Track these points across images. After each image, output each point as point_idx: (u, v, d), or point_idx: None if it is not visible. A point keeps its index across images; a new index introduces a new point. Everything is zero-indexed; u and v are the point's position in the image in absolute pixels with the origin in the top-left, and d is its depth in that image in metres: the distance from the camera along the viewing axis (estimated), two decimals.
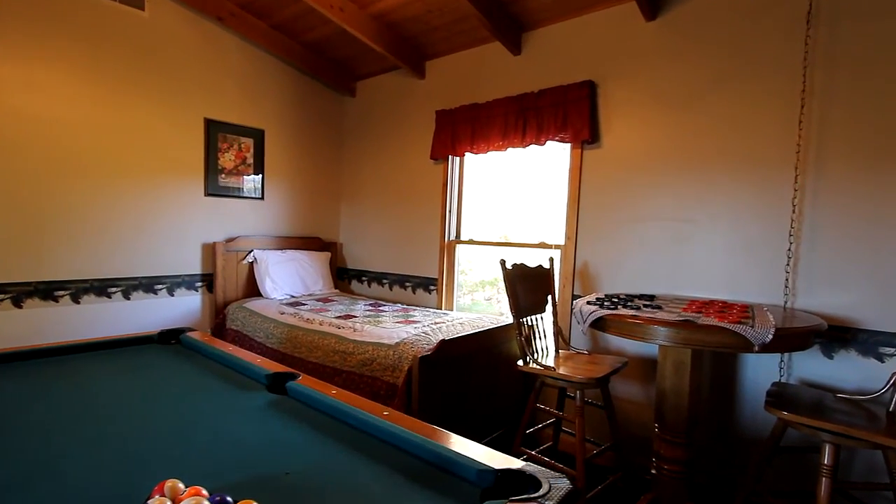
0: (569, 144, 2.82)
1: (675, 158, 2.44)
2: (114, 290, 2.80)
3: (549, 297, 2.46)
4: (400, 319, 2.84)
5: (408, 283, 3.66)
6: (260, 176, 3.53)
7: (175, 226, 3.07)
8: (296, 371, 1.53)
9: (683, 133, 2.41)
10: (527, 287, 2.32)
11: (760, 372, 2.17)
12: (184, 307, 3.13)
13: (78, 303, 2.67)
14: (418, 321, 2.79)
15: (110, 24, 2.73)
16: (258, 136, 3.50)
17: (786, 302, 2.12)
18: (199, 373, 1.60)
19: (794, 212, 2.09)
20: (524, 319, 2.25)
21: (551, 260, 2.52)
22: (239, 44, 3.34)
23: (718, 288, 2.31)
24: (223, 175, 3.31)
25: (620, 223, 2.62)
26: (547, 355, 2.33)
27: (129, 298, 2.87)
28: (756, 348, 1.51)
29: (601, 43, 2.68)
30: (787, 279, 2.12)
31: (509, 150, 3.01)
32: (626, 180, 2.60)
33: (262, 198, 3.56)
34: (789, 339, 1.60)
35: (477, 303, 3.62)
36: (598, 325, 1.85)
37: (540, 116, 2.82)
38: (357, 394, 2.36)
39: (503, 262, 2.14)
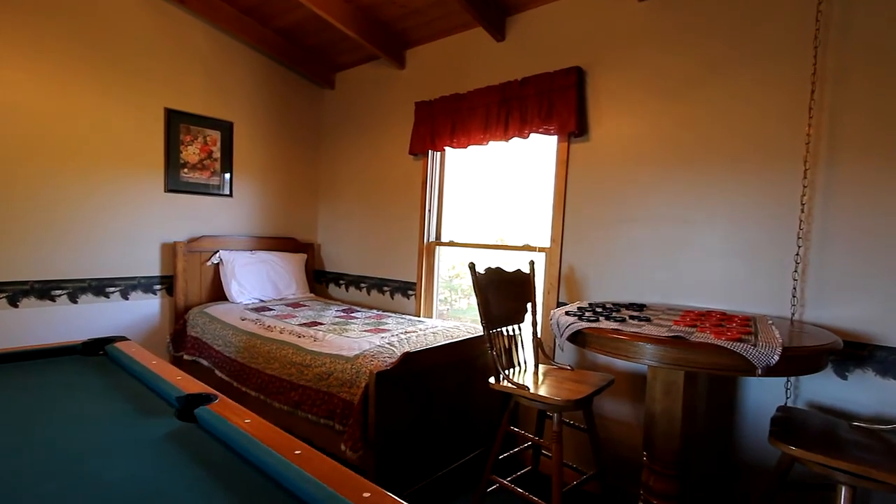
0: (555, 137, 2.58)
1: (670, 152, 2.20)
2: (58, 292, 2.58)
3: (529, 306, 2.22)
4: (369, 328, 2.60)
5: (386, 288, 3.43)
6: (228, 171, 3.30)
7: (131, 223, 2.84)
8: (214, 392, 1.29)
9: (679, 124, 2.17)
10: (503, 294, 2.08)
11: (764, 393, 1.93)
12: (139, 312, 2.90)
13: (16, 306, 2.44)
14: (389, 330, 2.55)
15: (59, 5, 2.51)
16: (226, 129, 3.28)
17: (793, 314, 1.87)
18: (105, 393, 1.36)
19: (802, 211, 1.85)
20: (499, 330, 2.01)
21: (532, 264, 2.28)
22: (206, 30, 3.12)
23: (717, 297, 2.06)
24: (186, 170, 3.08)
25: (609, 224, 2.38)
26: (525, 371, 2.08)
27: (75, 302, 2.64)
28: (759, 372, 1.27)
29: (590, 26, 2.45)
30: (794, 288, 1.87)
31: (491, 143, 2.77)
32: (616, 177, 2.36)
33: (231, 195, 3.33)
34: (799, 360, 1.35)
35: (472, 307, 3.37)
36: (577, 339, 1.61)
37: (524, 107, 2.59)
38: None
39: (472, 266, 1.90)
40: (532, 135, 2.60)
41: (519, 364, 2.15)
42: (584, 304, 2.00)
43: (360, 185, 3.63)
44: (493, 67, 2.83)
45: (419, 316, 3.15)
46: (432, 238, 3.20)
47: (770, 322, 1.68)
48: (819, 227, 1.83)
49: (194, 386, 1.36)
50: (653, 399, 1.70)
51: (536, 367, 2.15)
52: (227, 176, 3.30)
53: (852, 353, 1.75)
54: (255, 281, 3.26)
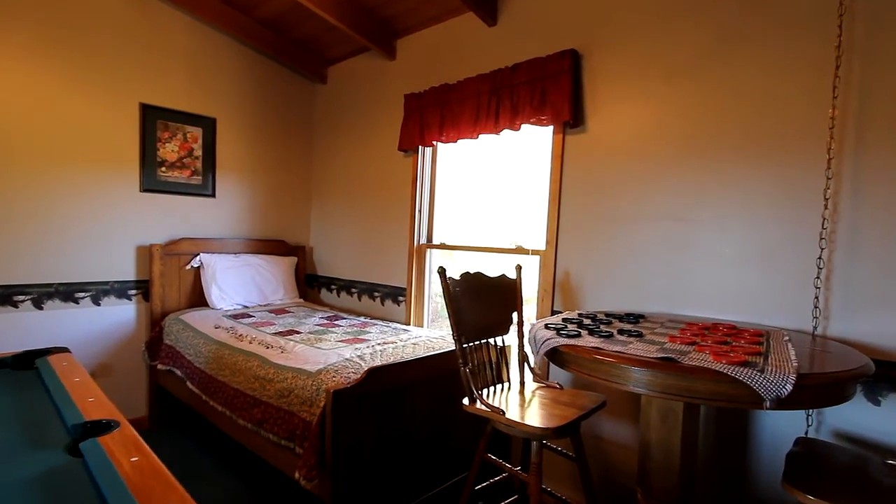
0: (551, 128, 2.36)
1: (675, 142, 1.95)
2: (21, 297, 2.46)
3: (516, 316, 2.00)
4: (348, 337, 2.42)
5: (376, 294, 3.24)
6: (210, 170, 3.17)
7: (103, 225, 2.72)
8: (116, 420, 1.12)
9: (685, 110, 1.92)
10: (483, 303, 1.86)
11: (783, 421, 1.66)
12: (112, 318, 2.78)
13: None
14: (368, 340, 2.36)
15: None
16: (208, 125, 3.14)
17: (815, 327, 1.61)
18: (7, 417, 1.21)
19: (826, 207, 1.58)
20: (478, 343, 1.80)
21: (519, 268, 2.06)
22: (185, 21, 2.98)
23: (726, 306, 1.80)
24: (164, 168, 2.95)
25: (608, 224, 2.14)
26: (509, 389, 1.86)
27: (41, 308, 2.52)
28: (767, 405, 1.03)
29: (586, 4, 2.22)
30: (816, 297, 1.61)
31: (482, 137, 2.56)
32: (615, 171, 2.12)
33: (213, 195, 3.19)
34: (819, 389, 1.10)
35: None
36: (555, 358, 1.39)
37: (515, 96, 2.37)
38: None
39: (442, 272, 1.69)
40: (525, 126, 2.38)
41: (505, 381, 1.93)
42: (573, 315, 1.77)
43: (351, 185, 3.45)
44: (484, 55, 2.61)
45: (409, 324, 2.95)
46: (423, 240, 3.00)
47: (786, 338, 1.43)
48: (846, 226, 1.56)
49: (101, 410, 1.19)
50: (647, 426, 1.46)
51: (522, 385, 1.92)
52: (210, 175, 3.17)
53: (886, 374, 1.48)
54: (237, 285, 3.12)
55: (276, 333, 2.45)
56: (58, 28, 2.51)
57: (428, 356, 1.97)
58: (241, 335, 2.44)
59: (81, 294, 2.66)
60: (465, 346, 1.70)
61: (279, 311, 3.03)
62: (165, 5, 2.88)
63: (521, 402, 1.72)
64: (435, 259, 3.02)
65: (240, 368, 2.17)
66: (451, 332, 1.71)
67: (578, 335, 1.39)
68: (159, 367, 2.76)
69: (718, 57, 1.83)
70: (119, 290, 2.80)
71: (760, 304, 1.73)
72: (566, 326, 1.51)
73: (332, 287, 3.58)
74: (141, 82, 2.82)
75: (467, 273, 1.86)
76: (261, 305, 3.18)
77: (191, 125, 3.06)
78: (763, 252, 1.73)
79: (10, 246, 2.42)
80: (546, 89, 2.25)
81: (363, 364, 1.92)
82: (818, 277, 1.60)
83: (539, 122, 2.28)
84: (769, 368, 1.07)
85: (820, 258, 1.60)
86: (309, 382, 1.83)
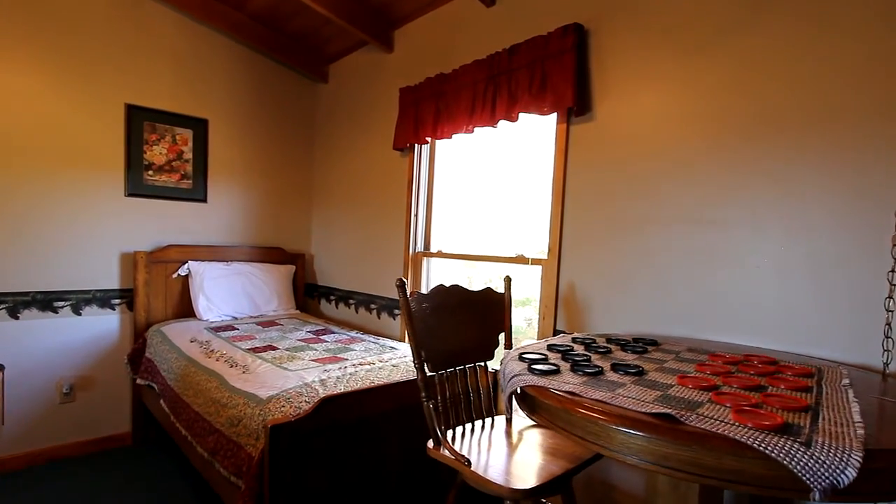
0: (553, 119, 2.04)
1: (702, 129, 1.59)
2: None
3: (502, 338, 1.68)
4: (326, 356, 2.17)
5: (373, 306, 2.99)
6: (202, 174, 3.03)
7: (84, 231, 2.61)
8: None
9: (713, 91, 1.56)
10: (460, 322, 1.56)
11: None
12: (94, 329, 2.66)
13: None
14: (346, 359, 2.11)
15: None
16: (199, 127, 3.01)
17: (887, 363, 1.21)
18: None
19: None
20: (452, 371, 1.50)
21: (508, 281, 1.74)
22: (174, 17, 2.86)
23: (765, 330, 1.42)
24: (151, 172, 2.83)
25: (620, 229, 1.79)
26: (491, 428, 1.55)
27: (16, 317, 2.43)
28: (817, 496, 0.68)
29: None
30: (889, 322, 1.21)
31: (476, 131, 2.27)
32: (628, 165, 1.78)
33: (205, 200, 3.05)
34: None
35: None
36: (525, 402, 1.07)
37: (513, 82, 2.07)
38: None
39: (401, 286, 1.40)
40: (524, 117, 2.08)
41: (488, 416, 1.62)
42: (564, 340, 1.43)
43: (351, 189, 3.24)
44: (481, 39, 2.33)
45: (403, 340, 2.68)
46: (419, 248, 2.73)
47: (845, 381, 1.05)
48: None
49: None
50: (654, 491, 1.11)
51: (509, 423, 1.60)
52: (201, 179, 3.03)
53: None
54: (226, 295, 2.94)
55: (249, 350, 2.24)
56: (37, 27, 2.43)
57: (397, 383, 1.68)
58: (212, 350, 2.24)
59: (61, 303, 2.55)
60: (430, 375, 1.40)
61: (267, 324, 2.83)
62: (151, 1, 2.77)
63: (501, 445, 1.41)
64: (434, 269, 2.74)
65: (201, 389, 1.96)
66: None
67: (557, 371, 1.07)
68: (138, 381, 2.61)
69: (753, 22, 1.47)
70: (102, 299, 2.68)
71: (810, 329, 1.34)
72: (546, 357, 1.19)
73: (331, 298, 3.36)
74: (126, 82, 2.71)
75: (441, 286, 1.57)
76: (251, 317, 3.00)
77: (180, 127, 2.94)
78: (813, 262, 1.34)
79: None
80: (547, 72, 1.94)
81: (321, 391, 1.65)
82: (890, 297, 1.20)
83: (539, 111, 1.97)
84: (819, 439, 0.72)
85: (892, 272, 1.20)
86: (257, 412, 1.59)
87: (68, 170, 2.55)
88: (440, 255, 2.64)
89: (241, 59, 3.16)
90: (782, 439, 0.71)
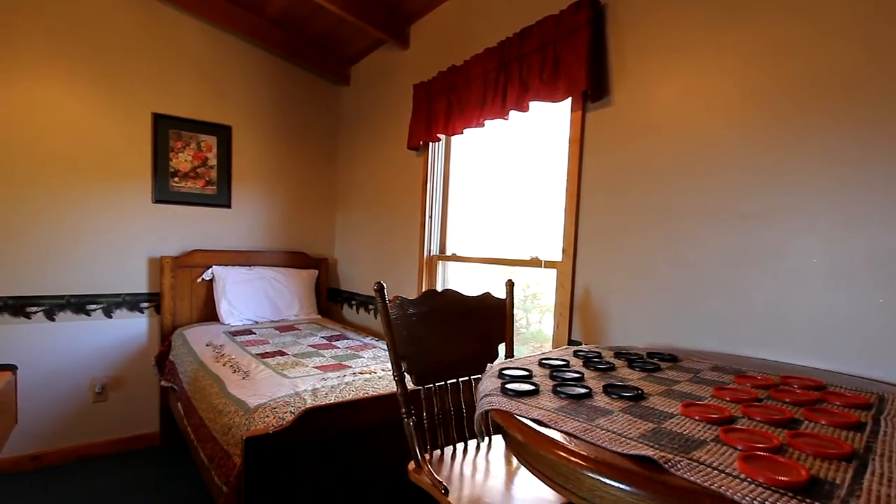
0: (567, 106, 1.85)
1: (733, 110, 1.36)
2: (34, 309, 2.50)
3: (503, 348, 1.52)
4: (330, 363, 2.10)
5: None
6: (226, 180, 3.08)
7: (115, 237, 2.71)
8: None
9: (750, 59, 1.33)
10: (452, 330, 1.42)
11: None
12: (124, 331, 2.75)
13: None
14: (350, 367, 2.02)
15: (31, 10, 2.46)
16: (223, 134, 3.06)
17: None
18: None
19: None
20: (442, 385, 1.36)
21: (510, 285, 1.58)
22: (197, 26, 2.93)
23: (812, 344, 1.17)
24: (177, 179, 2.91)
25: (640, 226, 1.58)
26: (488, 449, 1.39)
27: (53, 319, 2.55)
28: None
29: None
30: None
31: (487, 124, 2.13)
32: (650, 154, 1.56)
33: (229, 205, 3.10)
34: None
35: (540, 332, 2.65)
36: (497, 429, 0.91)
37: (525, 68, 1.90)
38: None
39: (380, 289, 1.28)
40: (537, 106, 1.91)
41: (486, 435, 1.46)
42: (564, 354, 1.25)
43: (371, 192, 3.18)
44: (494, 25, 2.18)
45: None
46: (434, 251, 2.60)
47: None
48: None
49: None
50: None
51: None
52: (225, 185, 3.08)
53: None
54: (248, 299, 2.96)
55: (258, 354, 2.21)
56: (70, 41, 2.55)
57: (387, 395, 1.56)
58: (222, 355, 2.23)
59: (93, 306, 2.66)
60: (414, 389, 1.27)
61: (285, 328, 2.81)
62: (175, 11, 2.85)
63: (497, 471, 1.25)
64: (451, 273, 2.60)
65: (206, 393, 1.94)
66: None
67: (534, 392, 0.90)
68: (163, 383, 2.67)
69: None
70: (131, 302, 2.77)
71: (871, 344, 1.08)
72: (530, 374, 1.02)
73: (353, 303, 3.31)
74: (153, 92, 2.80)
75: (432, 291, 1.43)
76: (272, 321, 3.00)
77: (205, 134, 3.00)
78: (878, 261, 1.08)
79: (24, 258, 2.46)
80: (560, 54, 1.76)
81: (309, 401, 1.56)
82: None
83: (551, 97, 1.78)
84: (870, 490, 0.51)
85: None
86: (243, 420, 1.52)
87: (100, 179, 2.66)
88: (454, 258, 2.50)
89: (263, 65, 3.19)
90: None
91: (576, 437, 0.71)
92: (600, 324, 1.69)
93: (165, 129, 2.85)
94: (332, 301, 3.52)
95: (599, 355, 1.23)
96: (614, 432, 0.71)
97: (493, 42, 2.10)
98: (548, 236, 2.02)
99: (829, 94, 1.17)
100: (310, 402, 1.54)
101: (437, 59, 2.53)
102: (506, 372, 1.03)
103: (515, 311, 2.33)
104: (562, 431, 0.73)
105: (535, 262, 1.99)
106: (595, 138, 1.74)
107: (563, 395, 0.88)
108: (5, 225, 2.42)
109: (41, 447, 2.51)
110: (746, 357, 1.27)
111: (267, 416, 1.48)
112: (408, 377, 1.30)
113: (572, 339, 1.78)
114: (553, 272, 1.89)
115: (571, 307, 1.79)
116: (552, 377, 1.01)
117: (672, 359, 1.22)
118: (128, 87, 2.71)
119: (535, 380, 0.99)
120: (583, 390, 0.90)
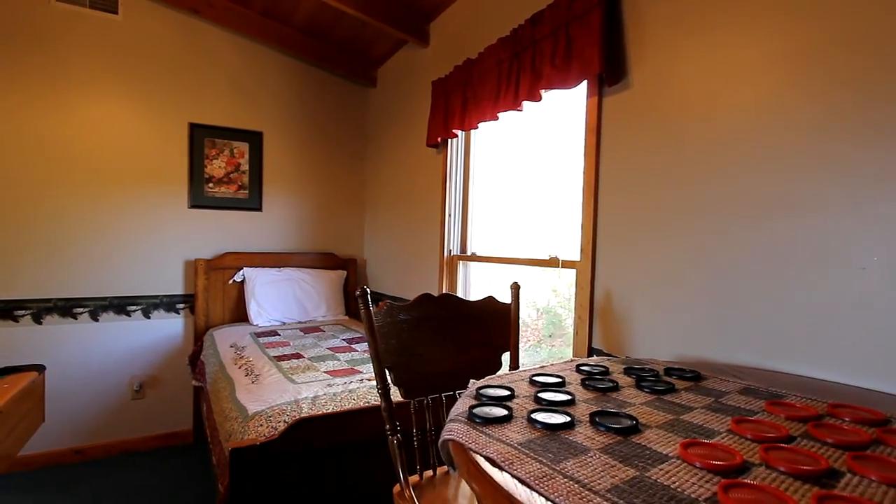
0: (583, 92, 1.68)
1: (771, 75, 1.15)
2: (80, 310, 2.65)
3: (508, 357, 1.39)
4: (343, 367, 2.05)
5: None
6: (257, 184, 3.14)
7: (153, 241, 2.83)
8: None
9: (799, 22, 1.12)
10: (448, 337, 1.31)
11: None
12: (161, 331, 2.87)
13: (40, 323, 2.56)
14: (360, 372, 1.96)
15: (82, 32, 2.62)
16: (255, 140, 3.12)
17: None
18: None
19: None
20: (436, 397, 1.25)
21: (516, 289, 1.44)
22: (230, 39, 3.01)
23: (871, 364, 0.95)
24: (211, 184, 2.99)
25: (667, 221, 1.39)
26: None
27: (97, 320, 2.69)
28: None
29: None
30: None
31: (501, 117, 1.99)
32: (674, 138, 1.37)
33: (260, 209, 3.15)
34: None
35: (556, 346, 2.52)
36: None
37: (536, 55, 1.76)
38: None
39: (362, 294, 1.18)
40: (551, 95, 1.76)
41: None
42: (566, 368, 1.10)
43: (395, 192, 3.12)
44: (508, 14, 2.04)
45: None
46: (454, 251, 2.50)
47: None
48: None
49: None
50: None
51: None
52: (257, 189, 3.14)
53: None
54: (276, 301, 3.00)
55: (275, 357, 2.20)
56: (120, 59, 2.70)
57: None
58: (241, 357, 2.25)
59: (133, 307, 2.79)
60: (402, 402, 1.17)
61: (310, 330, 2.81)
62: (209, 25, 2.93)
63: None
64: (473, 273, 2.49)
65: (219, 396, 1.95)
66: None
67: (506, 418, 0.77)
68: (193, 382, 2.75)
69: None
70: (168, 303, 2.88)
71: None
72: (512, 393, 0.89)
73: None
74: (190, 103, 2.90)
75: (427, 295, 1.33)
76: (298, 322, 3.01)
77: (237, 140, 3.07)
78: None
79: (70, 262, 2.62)
80: (572, 37, 1.60)
81: (307, 409, 1.51)
82: None
83: (564, 84, 1.63)
84: None
85: None
86: (241, 428, 1.49)
87: (141, 187, 2.78)
88: (474, 258, 2.38)
89: (293, 71, 3.22)
90: None
91: (528, 485, 0.58)
92: (623, 331, 1.51)
93: (201, 137, 2.94)
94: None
95: (605, 371, 1.07)
96: (579, 482, 0.58)
97: (507, 31, 1.96)
98: (568, 234, 1.85)
99: (879, 60, 0.94)
100: (306, 411, 1.49)
101: (454, 53, 2.43)
102: (483, 392, 0.90)
103: (560, 311, 2.19)
104: (514, 476, 0.60)
105: (553, 262, 1.84)
106: (613, 125, 1.56)
107: (537, 425, 0.75)
108: (57, 232, 2.58)
109: (84, 441, 2.66)
110: (790, 374, 1.07)
111: (261, 425, 1.44)
112: (396, 390, 1.20)
113: (593, 347, 1.61)
114: (572, 272, 1.73)
115: (591, 312, 1.62)
116: (536, 399, 0.87)
117: (695, 377, 1.04)
118: (168, 99, 2.83)
119: (515, 401, 0.86)
120: (563, 419, 0.76)
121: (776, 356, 1.12)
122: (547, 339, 2.32)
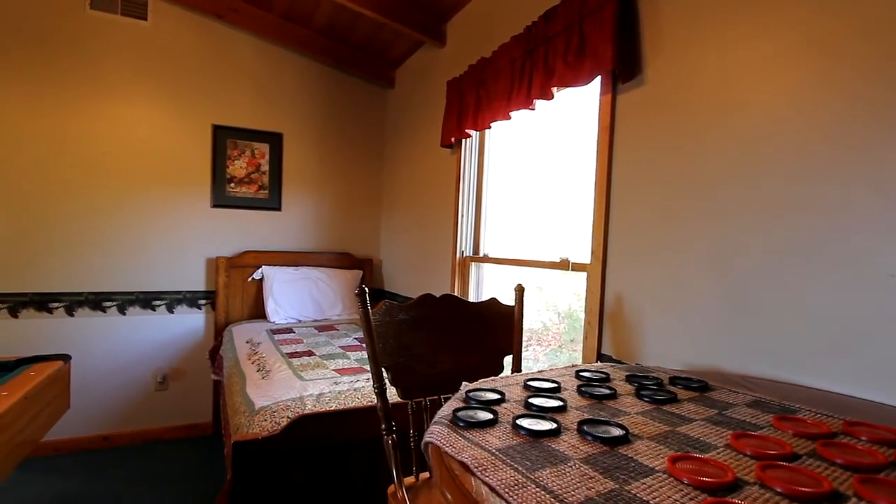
0: (596, 90, 1.64)
1: (793, 67, 1.08)
2: (109, 304, 2.76)
3: (511, 360, 1.36)
4: (352, 366, 2.06)
5: None
6: (277, 184, 3.20)
7: (177, 239, 2.92)
8: None
9: (826, 9, 1.05)
10: (449, 339, 1.29)
11: None
12: (184, 326, 2.95)
13: (72, 315, 2.68)
14: (367, 371, 1.96)
15: (113, 37, 2.73)
16: (275, 141, 3.18)
17: None
18: None
19: None
20: (431, 400, 1.24)
21: (520, 291, 1.41)
22: (252, 42, 3.08)
23: (889, 377, 0.88)
24: (232, 184, 3.07)
25: (681, 223, 1.33)
26: None
27: (124, 314, 2.80)
28: None
29: None
30: None
31: (514, 116, 1.96)
32: (690, 136, 1.32)
33: (279, 208, 3.21)
34: None
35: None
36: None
37: (549, 52, 1.72)
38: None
39: (360, 293, 1.18)
40: (564, 93, 1.73)
41: None
42: (565, 374, 1.06)
43: (411, 192, 3.12)
44: (523, 11, 2.01)
45: None
46: (467, 252, 2.47)
47: None
48: None
49: None
50: None
51: None
52: (276, 189, 3.20)
53: None
54: (293, 299, 3.05)
55: (287, 354, 2.23)
56: (150, 64, 2.81)
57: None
58: (256, 352, 2.29)
59: (158, 302, 2.88)
60: (399, 402, 1.16)
61: (324, 328, 2.85)
62: (232, 30, 3.01)
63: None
64: (486, 275, 2.46)
65: (232, 390, 1.99)
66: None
67: (490, 423, 0.75)
68: (212, 376, 2.82)
69: None
70: (190, 299, 2.97)
71: None
72: (502, 397, 0.86)
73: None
74: (213, 105, 2.98)
75: (428, 296, 1.32)
76: (314, 320, 3.05)
77: (258, 142, 3.14)
78: None
79: (101, 258, 2.73)
80: (585, 33, 1.56)
81: (309, 406, 1.52)
82: None
83: (576, 81, 1.58)
84: None
85: None
86: (247, 422, 1.52)
87: (166, 187, 2.88)
88: (485, 259, 2.35)
89: (312, 73, 3.27)
90: None
91: (498, 493, 0.55)
92: (633, 337, 1.46)
93: (224, 139, 3.02)
94: (376, 301, 3.50)
95: (606, 378, 1.03)
96: (551, 492, 0.55)
97: (521, 29, 1.93)
98: (579, 236, 1.80)
99: None
100: (310, 408, 1.50)
101: (470, 53, 2.41)
102: (473, 394, 0.88)
103: (582, 315, 2.13)
104: (485, 483, 0.57)
105: (563, 265, 1.79)
106: (626, 124, 1.51)
107: (521, 431, 0.72)
108: (87, 229, 2.70)
109: (112, 429, 2.77)
110: (806, 387, 1.00)
111: (265, 420, 1.45)
112: (393, 390, 1.19)
113: (602, 352, 1.56)
114: (583, 276, 1.68)
115: (601, 316, 1.57)
116: (526, 404, 0.84)
117: (702, 386, 0.99)
118: (192, 101, 2.92)
119: (504, 406, 0.84)
120: (549, 426, 0.73)
121: (793, 368, 1.06)
122: (569, 343, 2.27)
